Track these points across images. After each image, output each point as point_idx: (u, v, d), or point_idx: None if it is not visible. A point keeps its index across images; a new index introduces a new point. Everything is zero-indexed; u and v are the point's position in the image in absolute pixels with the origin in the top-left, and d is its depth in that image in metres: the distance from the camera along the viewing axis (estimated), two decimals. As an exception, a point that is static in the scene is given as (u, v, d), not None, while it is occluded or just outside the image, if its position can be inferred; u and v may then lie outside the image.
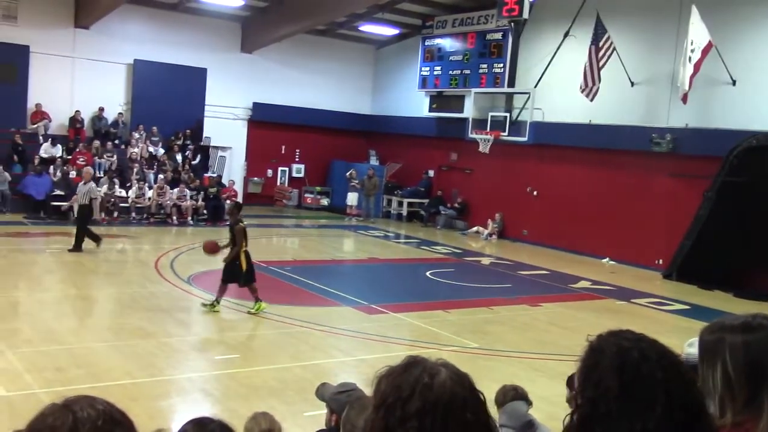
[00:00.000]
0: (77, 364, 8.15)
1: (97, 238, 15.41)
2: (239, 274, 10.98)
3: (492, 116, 21.63)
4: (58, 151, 21.14)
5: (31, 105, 21.87)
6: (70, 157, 21.07)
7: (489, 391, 1.94)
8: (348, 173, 25.19)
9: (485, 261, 18.69)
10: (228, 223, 12.22)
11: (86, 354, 8.57)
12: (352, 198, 25.07)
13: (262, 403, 7.32)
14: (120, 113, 23.19)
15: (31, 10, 21.51)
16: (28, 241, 16.69)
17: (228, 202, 22.05)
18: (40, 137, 21.29)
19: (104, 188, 19.96)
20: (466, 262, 18.26)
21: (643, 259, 18.48)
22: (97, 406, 1.44)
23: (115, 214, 20.04)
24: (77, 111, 22.37)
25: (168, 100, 23.35)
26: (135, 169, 21.34)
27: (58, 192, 19.58)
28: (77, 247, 15.07)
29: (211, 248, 11.41)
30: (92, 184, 15.92)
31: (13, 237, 15.17)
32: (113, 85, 23.18)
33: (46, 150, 20.90)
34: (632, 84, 18.61)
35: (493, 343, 10.58)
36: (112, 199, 20.13)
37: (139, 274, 13.83)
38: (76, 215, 15.86)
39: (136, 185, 20.74)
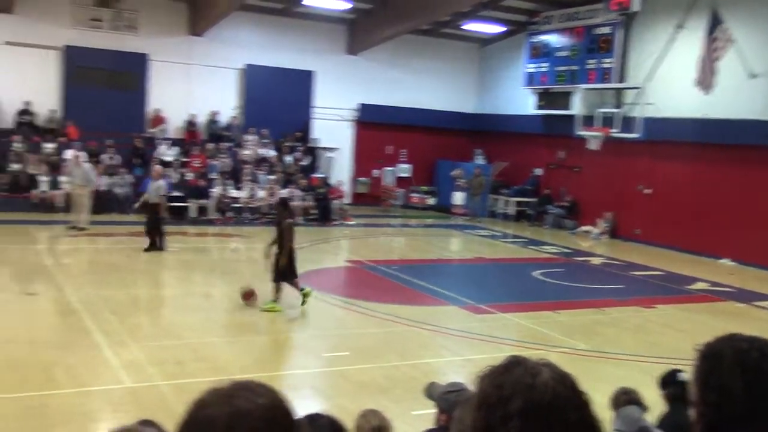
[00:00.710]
0: (196, 358, 8.51)
1: (157, 242, 15.37)
2: (276, 269, 10.85)
3: (601, 112, 21.12)
4: (175, 153, 22.09)
5: (150, 110, 22.99)
6: (186, 159, 22.01)
7: (599, 394, 1.92)
8: (454, 172, 25.16)
9: (595, 261, 18.26)
10: (276, 220, 11.72)
11: (204, 348, 8.93)
12: (458, 197, 25.03)
13: (371, 401, 7.43)
14: (233, 116, 24.02)
15: (150, 21, 22.58)
16: (144, 239, 17.51)
17: (334, 202, 22.49)
18: (159, 141, 22.32)
19: (218, 189, 20.73)
20: (576, 262, 17.90)
21: (767, 259, 17.60)
22: (258, 400, 1.41)
23: (229, 214, 20.76)
24: (192, 115, 23.33)
25: (277, 103, 24.02)
26: (247, 171, 22.05)
27: (176, 193, 20.46)
28: (154, 246, 15.29)
29: (247, 296, 11.09)
30: (161, 182, 15.97)
31: (135, 236, 15.95)
32: (226, 90, 24.04)
33: (163, 153, 21.88)
34: (752, 76, 17.73)
35: (603, 345, 10.35)
36: (226, 200, 20.86)
37: (252, 272, 14.27)
38: (145, 213, 15.77)
39: (248, 186, 21.42)
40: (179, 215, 19.76)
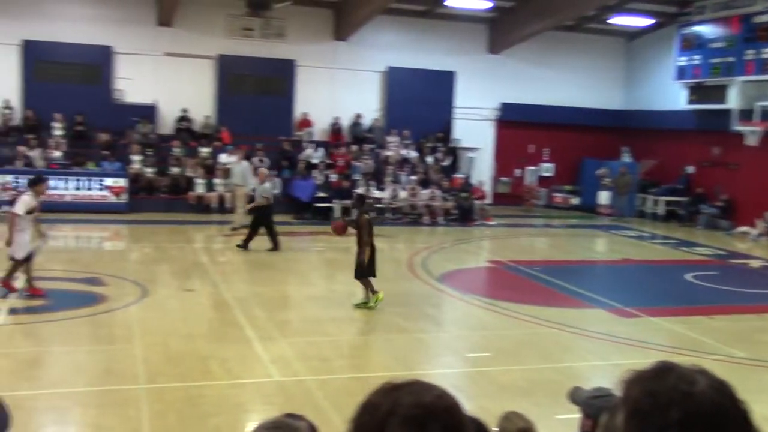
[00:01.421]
0: (341, 354, 8.75)
1: (250, 239, 15.51)
2: (361, 267, 10.80)
3: (760, 106, 19.84)
4: (320, 155, 22.76)
5: (297, 114, 23.83)
6: (331, 161, 22.65)
7: (759, 405, 1.82)
8: (599, 171, 24.42)
9: (755, 263, 17.19)
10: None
11: (348, 346, 9.17)
12: (603, 197, 24.28)
13: (513, 403, 7.36)
14: (375, 118, 24.46)
15: (297, 28, 23.39)
16: (296, 239, 18.14)
17: (475, 202, 22.40)
18: (305, 143, 23.08)
19: (361, 190, 21.16)
20: (732, 265, 16.92)
21: None
22: (423, 399, 1.43)
23: (371, 214, 21.14)
24: (337, 118, 23.96)
25: (419, 104, 24.23)
26: (389, 171, 22.38)
27: (321, 194, 21.10)
28: (275, 246, 15.58)
29: (339, 229, 11.45)
30: (267, 185, 16.20)
31: (283, 236, 16.56)
32: (368, 92, 24.52)
33: (309, 155, 22.59)
34: None
35: (764, 353, 9.73)
36: (368, 200, 21.27)
37: (394, 271, 14.48)
38: (252, 215, 15.99)
39: (390, 187, 21.74)
40: (324, 215, 20.35)
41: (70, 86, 21.74)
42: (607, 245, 20.20)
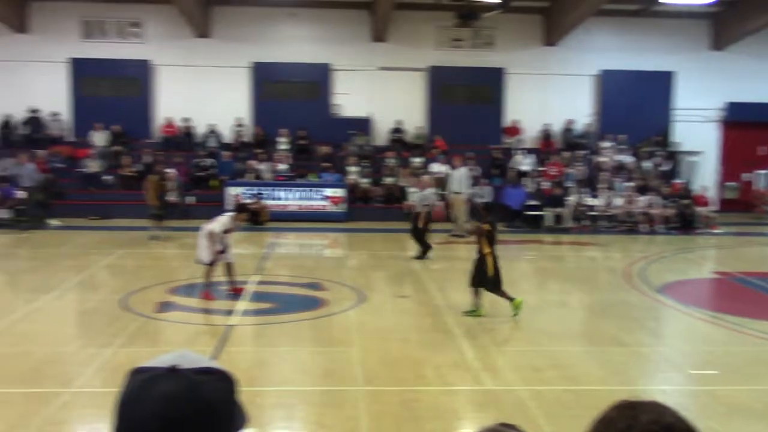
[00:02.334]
0: (553, 365, 8.57)
1: (426, 247, 15.38)
2: (486, 278, 10.44)
3: None
4: (531, 163, 22.50)
5: (506, 122, 23.76)
6: (542, 168, 22.31)
7: None
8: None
9: None
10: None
11: (561, 357, 8.97)
12: None
13: (745, 426, 6.84)
14: (588, 123, 23.78)
15: (506, 36, 23.39)
16: (506, 248, 18.06)
17: (699, 209, 21.04)
18: (515, 151, 22.93)
19: (574, 197, 20.66)
20: None
21: None
22: (663, 419, 1.40)
23: (585, 222, 20.56)
24: (547, 124, 23.59)
25: (635, 107, 23.25)
26: (603, 178, 21.64)
27: (532, 202, 20.85)
28: (424, 255, 15.34)
29: (475, 232, 11.02)
30: (427, 192, 15.93)
31: (507, 244, 16.50)
32: (580, 97, 23.92)
33: (519, 162, 22.41)
34: None
35: None
36: (582, 208, 20.70)
37: (609, 281, 13.98)
38: (412, 221, 15.83)
39: (605, 194, 21.00)
40: (535, 224, 20.10)
41: (293, 103, 23.26)
42: None
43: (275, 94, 23.48)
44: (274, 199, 20.94)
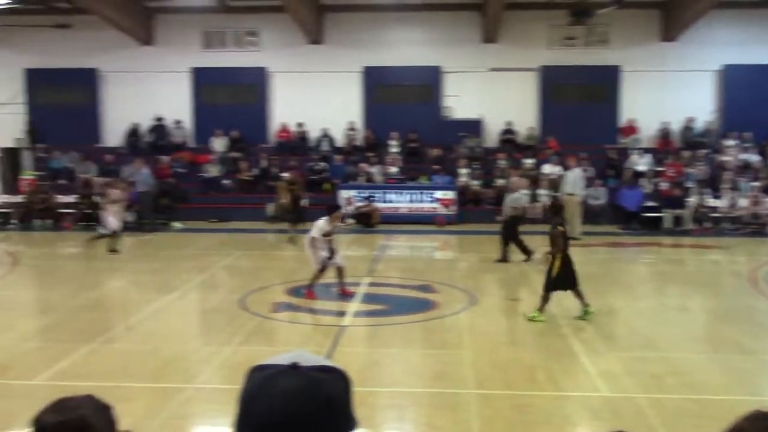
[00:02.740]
0: (673, 372, 8.27)
1: (527, 252, 14.94)
2: (552, 279, 10.16)
3: None
4: (647, 162, 21.76)
5: (622, 121, 23.09)
6: (660, 168, 21.54)
7: None
8: None
9: None
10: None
11: (681, 363, 8.64)
12: None
13: None
14: (710, 121, 22.80)
15: (621, 32, 22.74)
16: (622, 250, 17.56)
17: None
18: (631, 151, 22.24)
19: (694, 198, 19.85)
20: None
21: None
22: None
23: (706, 224, 19.71)
24: (666, 122, 22.78)
25: (761, 104, 22.09)
26: (726, 178, 20.68)
27: (650, 203, 20.17)
28: (504, 258, 15.09)
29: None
30: (517, 195, 15.55)
31: (608, 247, 16.14)
32: (701, 94, 22.96)
33: (635, 163, 21.72)
34: None
35: None
36: (703, 209, 19.85)
37: (733, 286, 13.35)
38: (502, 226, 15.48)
39: (728, 194, 20.06)
40: (653, 226, 19.43)
41: (404, 106, 23.45)
42: None
43: (386, 97, 23.73)
44: (385, 201, 21.16)
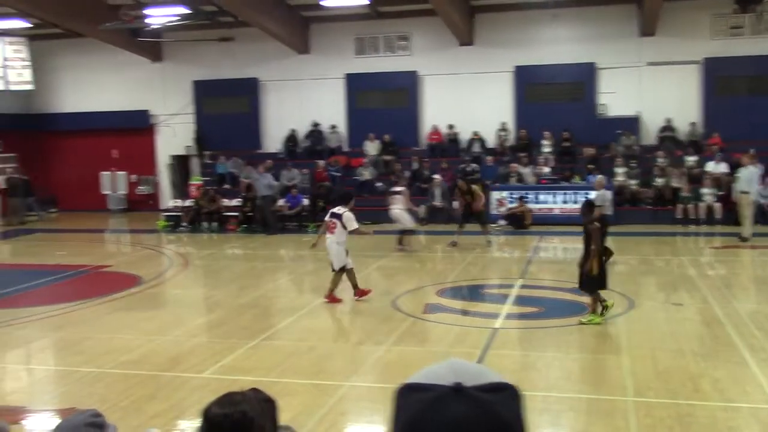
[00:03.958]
0: None
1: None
2: (590, 279, 9.97)
3: None
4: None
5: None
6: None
7: None
8: None
9: None
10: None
11: None
12: None
13: None
14: None
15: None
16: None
17: None
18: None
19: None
20: None
21: None
22: None
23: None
24: None
25: None
26: None
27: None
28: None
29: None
30: (601, 193, 15.52)
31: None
32: None
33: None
34: None
35: None
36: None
37: None
38: None
39: None
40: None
41: (557, 105, 22.97)
42: None
43: (538, 96, 23.33)
44: (537, 202, 20.80)
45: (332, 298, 11.83)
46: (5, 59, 24.54)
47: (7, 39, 24.65)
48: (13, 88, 25.00)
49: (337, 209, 11.88)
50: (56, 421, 6.04)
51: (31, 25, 24.17)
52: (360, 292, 11.89)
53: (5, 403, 7.74)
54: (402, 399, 1.25)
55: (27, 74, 25.16)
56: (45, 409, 7.71)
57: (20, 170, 25.51)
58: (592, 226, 10.09)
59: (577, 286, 10.60)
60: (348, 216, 11.67)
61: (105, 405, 7.04)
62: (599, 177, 17.35)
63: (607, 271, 10.25)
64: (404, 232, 16.73)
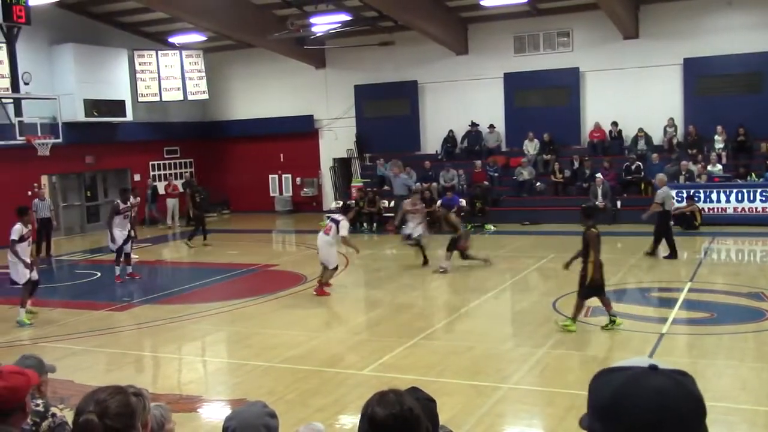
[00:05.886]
0: None
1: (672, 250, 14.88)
2: (587, 286, 9.69)
3: None
4: None
5: None
6: None
7: None
8: None
9: None
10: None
11: None
12: None
13: None
14: None
15: None
16: None
17: None
18: None
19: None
20: None
21: None
22: None
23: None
24: None
25: None
26: None
27: None
28: (673, 254, 14.94)
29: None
30: (662, 190, 15.20)
31: None
32: None
33: None
34: None
35: None
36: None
37: None
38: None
39: None
40: None
41: (730, 98, 21.58)
42: None
43: (710, 89, 21.99)
44: (708, 201, 19.65)
45: (321, 291, 12.96)
46: (184, 71, 26.36)
47: (186, 52, 26.45)
48: (191, 98, 26.81)
49: (337, 216, 13.54)
50: (227, 411, 6.42)
51: (206, 38, 25.78)
52: (321, 290, 12.93)
53: (183, 393, 8.33)
54: (601, 379, 1.47)
55: (203, 84, 26.90)
56: (218, 399, 8.21)
57: (193, 178, 27.11)
58: (590, 233, 9.84)
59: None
60: (344, 224, 13.11)
61: (273, 397, 7.40)
62: (660, 175, 16.71)
63: (603, 280, 9.89)
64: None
